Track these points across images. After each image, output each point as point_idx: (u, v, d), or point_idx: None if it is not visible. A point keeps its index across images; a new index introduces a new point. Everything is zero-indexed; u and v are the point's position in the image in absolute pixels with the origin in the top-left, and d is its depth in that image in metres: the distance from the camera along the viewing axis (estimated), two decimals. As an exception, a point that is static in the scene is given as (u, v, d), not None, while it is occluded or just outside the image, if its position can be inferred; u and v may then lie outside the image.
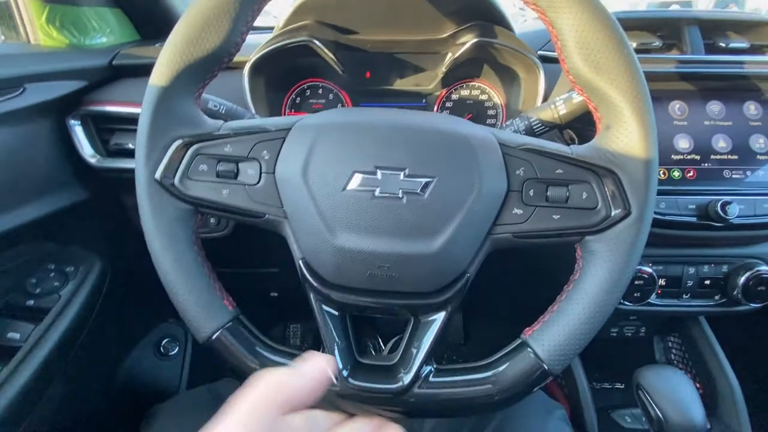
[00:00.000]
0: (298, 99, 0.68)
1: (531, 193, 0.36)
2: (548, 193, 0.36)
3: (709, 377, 0.68)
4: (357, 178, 0.35)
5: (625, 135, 0.35)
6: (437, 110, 0.68)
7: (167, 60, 0.36)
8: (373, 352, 1.04)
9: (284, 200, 0.36)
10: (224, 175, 0.37)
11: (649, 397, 0.54)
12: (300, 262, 0.37)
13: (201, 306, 0.36)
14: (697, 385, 0.71)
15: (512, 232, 0.36)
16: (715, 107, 0.58)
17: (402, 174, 0.35)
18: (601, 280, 0.35)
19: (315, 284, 0.37)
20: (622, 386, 0.80)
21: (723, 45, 0.61)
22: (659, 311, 0.60)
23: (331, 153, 0.35)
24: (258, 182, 0.37)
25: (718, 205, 0.52)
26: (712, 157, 0.57)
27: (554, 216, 0.36)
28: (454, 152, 0.35)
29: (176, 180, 0.36)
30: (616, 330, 0.77)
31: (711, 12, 0.62)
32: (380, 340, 1.08)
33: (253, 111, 0.59)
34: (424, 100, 0.67)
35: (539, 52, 0.59)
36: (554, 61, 0.61)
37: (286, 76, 0.65)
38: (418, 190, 0.35)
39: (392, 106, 0.68)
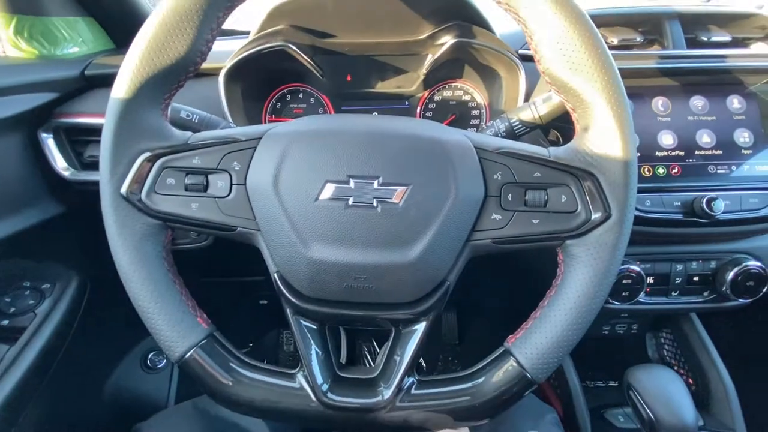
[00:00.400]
0: (279, 104, 0.67)
1: (509, 197, 0.35)
2: (527, 197, 0.35)
3: (702, 373, 0.68)
4: (329, 188, 0.34)
5: (603, 136, 0.34)
6: (420, 112, 0.67)
7: (130, 70, 0.34)
8: (367, 356, 1.03)
9: (256, 212, 0.35)
10: (193, 188, 0.36)
11: (639, 397, 0.53)
12: (275, 275, 0.36)
13: (172, 324, 0.35)
14: (690, 381, 0.71)
15: (491, 238, 0.35)
16: (698, 102, 0.58)
17: (376, 182, 0.34)
18: (583, 286, 0.34)
19: (291, 298, 0.36)
20: (616, 384, 0.79)
21: (705, 39, 0.60)
22: (648, 309, 0.60)
23: (303, 162, 0.34)
24: (228, 194, 0.36)
25: (704, 201, 0.51)
26: (697, 152, 0.56)
27: (533, 220, 0.35)
28: (428, 158, 0.34)
29: (143, 195, 0.35)
30: (608, 328, 0.76)
31: (692, 6, 0.62)
32: (375, 343, 1.08)
33: (230, 119, 0.57)
34: (406, 102, 0.67)
35: (520, 52, 0.58)
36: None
37: (265, 82, 0.64)
38: (393, 199, 0.34)
39: (374, 109, 0.67)
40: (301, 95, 0.66)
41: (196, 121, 0.48)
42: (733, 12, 0.62)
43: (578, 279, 0.34)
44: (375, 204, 0.33)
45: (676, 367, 0.73)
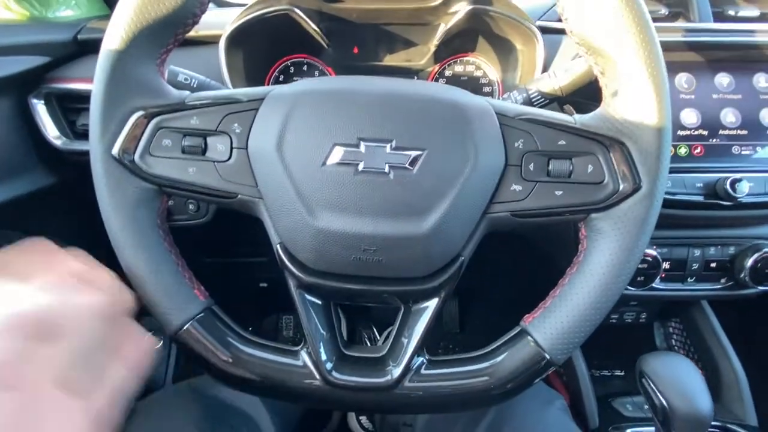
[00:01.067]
0: (282, 77, 0.64)
1: (531, 167, 0.33)
2: (550, 167, 0.33)
3: (712, 363, 0.66)
4: (338, 152, 0.31)
5: (636, 101, 0.31)
6: (429, 87, 0.64)
7: (121, 21, 0.32)
8: (368, 343, 1.01)
9: (258, 178, 0.33)
10: (191, 151, 0.33)
11: (653, 384, 0.51)
12: (278, 246, 0.34)
13: (169, 295, 0.33)
14: (700, 371, 0.69)
15: (511, 210, 0.33)
16: (723, 80, 0.55)
17: (388, 146, 0.31)
18: (609, 262, 0.32)
19: (295, 271, 0.34)
20: (622, 373, 0.78)
21: (732, 13, 0.57)
22: (663, 296, 0.58)
23: (309, 124, 0.32)
24: (228, 158, 0.33)
25: (727, 182, 0.49)
26: (721, 132, 0.54)
27: (556, 192, 0.32)
28: (446, 122, 0.32)
29: (136, 156, 0.33)
30: (616, 316, 0.74)
31: (720, -22, 0.59)
32: (375, 329, 1.06)
33: (230, 85, 0.54)
34: (415, 77, 0.64)
35: (538, 22, 0.55)
36: (554, 32, 0.58)
37: (268, 51, 0.61)
38: (407, 165, 0.31)
39: (382, 82, 0.64)
40: (305, 68, 0.64)
41: (195, 84, 0.45)
42: (763, -14, 0.59)
43: (603, 255, 0.32)
44: (387, 170, 0.31)
45: (685, 356, 0.72)
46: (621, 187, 0.32)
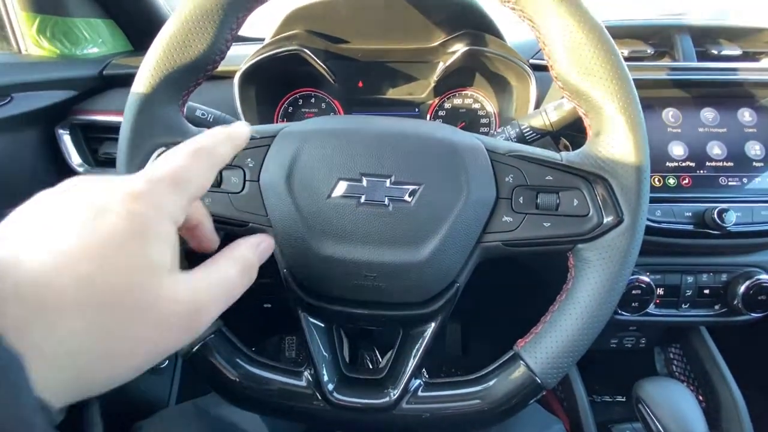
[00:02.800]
0: (291, 109, 0.68)
1: (521, 200, 0.35)
2: (538, 200, 0.35)
3: (712, 389, 0.66)
4: (342, 186, 0.34)
5: (616, 141, 0.34)
6: (430, 119, 0.67)
7: (151, 66, 0.35)
8: (370, 365, 1.02)
9: (268, 208, 0.35)
10: None
11: (649, 410, 0.52)
12: (284, 272, 0.36)
13: None
14: (700, 397, 0.69)
15: (502, 240, 0.35)
16: (709, 114, 0.58)
17: (388, 181, 0.34)
18: (595, 290, 0.34)
19: (300, 294, 0.36)
20: (623, 399, 0.78)
21: (715, 52, 0.60)
22: (658, 321, 0.59)
23: (316, 160, 0.35)
24: (242, 190, 0.36)
25: (715, 212, 0.51)
26: (708, 164, 0.56)
27: (545, 223, 0.35)
28: (441, 159, 0.35)
29: None
30: (615, 341, 0.75)
31: (702, 20, 0.62)
32: (377, 352, 1.06)
33: (243, 119, 0.58)
34: (416, 109, 0.67)
35: (531, 61, 0.59)
36: (546, 69, 0.61)
37: (278, 86, 0.65)
38: (405, 198, 0.34)
39: (385, 115, 0.68)
40: (313, 100, 0.67)
41: (211, 120, 0.48)
42: (744, 26, 0.63)
43: (590, 283, 0.34)
44: (387, 202, 0.34)
45: (685, 382, 0.72)
46: (605, 220, 0.34)
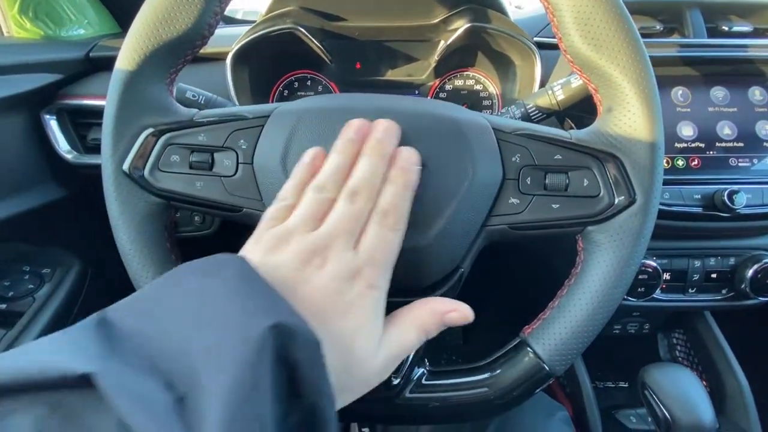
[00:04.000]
0: (286, 91, 0.66)
1: (528, 181, 0.33)
2: (546, 180, 0.33)
3: (716, 374, 0.66)
4: None
5: (629, 117, 0.32)
6: (430, 101, 0.65)
7: (134, 43, 0.33)
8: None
9: (263, 192, 0.34)
10: (198, 166, 0.34)
11: (655, 396, 0.52)
12: None
13: None
14: (704, 382, 0.69)
15: (509, 223, 0.34)
16: (719, 93, 0.56)
17: None
18: (606, 273, 0.32)
19: None
20: (626, 385, 0.77)
21: (726, 28, 0.58)
22: (664, 306, 0.58)
23: (312, 140, 0.33)
24: (235, 173, 0.34)
25: (725, 194, 0.50)
26: (717, 144, 0.55)
27: (553, 205, 0.33)
28: (444, 138, 0.33)
29: (146, 172, 0.34)
30: (619, 327, 0.74)
31: (713, -5, 0.60)
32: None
33: (236, 101, 0.56)
34: (416, 91, 0.65)
35: (535, 39, 0.57)
36: (551, 47, 0.59)
37: (273, 67, 0.63)
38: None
39: (384, 97, 0.65)
40: (309, 82, 0.65)
41: (202, 101, 0.46)
42: (756, 1, 0.60)
43: (600, 266, 0.32)
44: None
45: (689, 367, 0.71)
46: (616, 200, 0.32)
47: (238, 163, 0.34)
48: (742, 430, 0.61)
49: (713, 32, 0.58)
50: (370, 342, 0.25)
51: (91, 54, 0.59)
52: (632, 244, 0.32)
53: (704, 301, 0.58)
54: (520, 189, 0.33)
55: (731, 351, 0.64)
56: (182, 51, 0.34)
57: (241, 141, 0.34)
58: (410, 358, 0.34)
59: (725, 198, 0.50)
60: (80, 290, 0.58)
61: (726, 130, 0.55)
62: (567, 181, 0.33)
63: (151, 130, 0.34)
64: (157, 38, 0.33)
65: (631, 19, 0.32)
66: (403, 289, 0.34)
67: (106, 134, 0.34)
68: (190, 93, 0.46)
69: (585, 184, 0.33)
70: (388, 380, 0.34)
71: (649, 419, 0.52)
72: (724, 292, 0.57)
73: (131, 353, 0.19)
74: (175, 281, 0.23)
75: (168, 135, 0.34)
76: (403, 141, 0.33)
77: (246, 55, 0.56)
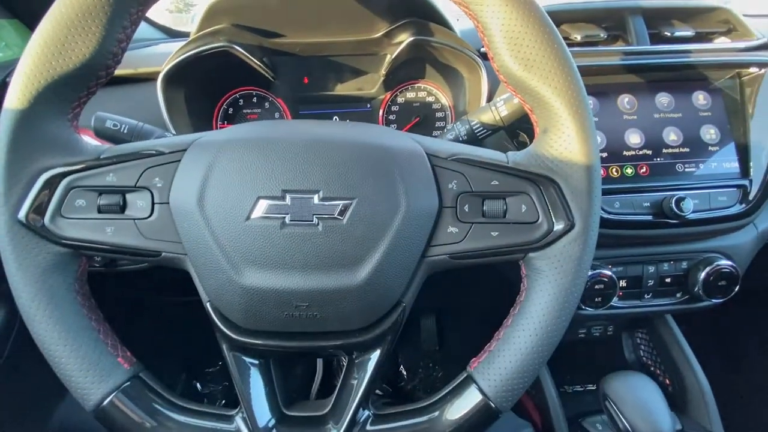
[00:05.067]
0: (231, 110, 0.62)
1: (466, 208, 0.32)
2: (485, 207, 0.32)
3: (678, 375, 0.67)
4: (262, 205, 0.30)
5: (563, 139, 0.31)
6: (383, 115, 0.63)
7: (25, 77, 0.30)
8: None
9: (182, 234, 0.31)
10: (108, 210, 0.31)
11: (615, 406, 0.51)
12: (207, 306, 0.32)
13: (86, 368, 0.30)
14: (667, 382, 0.70)
15: (449, 252, 0.32)
16: (664, 99, 0.56)
17: (316, 197, 0.30)
18: (548, 303, 0.31)
19: (226, 332, 0.32)
20: (594, 387, 0.78)
21: (668, 34, 0.59)
22: (622, 314, 0.58)
23: (232, 176, 0.30)
24: (150, 215, 0.31)
25: (673, 201, 0.50)
26: (664, 151, 0.55)
27: (492, 232, 0.32)
28: (375, 168, 0.31)
29: (47, 220, 0.30)
30: (584, 331, 0.74)
31: (654, 1, 0.60)
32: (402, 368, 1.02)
33: (172, 129, 0.52)
34: (368, 105, 0.63)
35: (482, 50, 0.56)
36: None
37: (214, 86, 0.59)
38: (336, 215, 0.30)
39: (334, 113, 0.63)
40: (254, 99, 0.62)
41: (125, 131, 0.43)
42: (696, 6, 0.61)
43: (542, 296, 0.31)
44: (315, 221, 0.30)
45: (652, 368, 0.72)
46: (555, 226, 0.31)
47: (153, 204, 0.31)
48: (704, 429, 0.61)
49: (656, 38, 0.58)
50: None
51: (8, 80, 0.54)
52: (574, 270, 0.31)
53: (660, 305, 0.58)
54: (458, 217, 0.32)
55: (691, 351, 0.65)
56: (83, 83, 0.31)
57: (156, 179, 0.32)
58: (353, 404, 0.32)
59: (673, 205, 0.50)
60: (8, 334, 0.53)
61: (672, 136, 0.55)
62: (505, 207, 0.32)
63: (51, 172, 0.31)
64: (51, 70, 0.30)
65: (561, 38, 0.31)
66: (341, 331, 0.32)
67: None
68: (111, 122, 0.43)
69: (523, 210, 0.32)
70: (328, 428, 0.32)
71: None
72: (678, 295, 0.58)
73: None
74: None
75: (71, 177, 0.31)
76: (330, 173, 0.30)
77: (180, 76, 0.52)
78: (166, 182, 0.31)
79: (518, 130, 0.55)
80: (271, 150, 0.31)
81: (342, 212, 0.30)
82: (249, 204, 0.30)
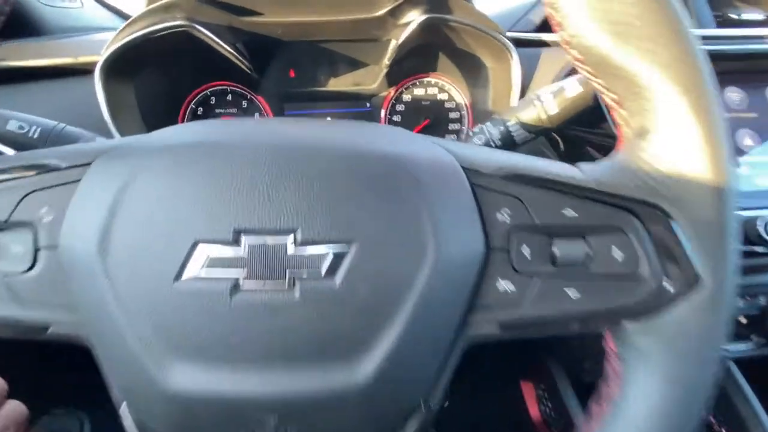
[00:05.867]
0: (201, 110, 0.51)
1: (526, 252, 0.21)
2: (555, 250, 0.21)
3: (741, 427, 0.55)
4: (202, 255, 0.18)
5: (677, 145, 0.20)
6: (385, 116, 0.53)
7: None
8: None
9: (77, 294, 0.19)
10: None
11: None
12: (121, 411, 0.20)
13: None
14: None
15: (500, 321, 0.21)
16: (734, 95, 0.46)
17: (289, 241, 0.18)
18: (661, 406, 0.20)
19: None
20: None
21: (735, 17, 0.48)
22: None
23: (154, 206, 0.19)
24: (31, 267, 0.20)
25: (761, 224, 0.39)
26: (740, 159, 0.44)
27: (567, 290, 0.20)
28: (384, 192, 0.19)
29: None
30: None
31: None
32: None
33: (116, 134, 0.41)
34: (368, 104, 0.52)
35: (509, 33, 0.45)
36: (530, 44, 0.47)
37: (177, 79, 0.48)
38: (323, 271, 0.18)
39: (327, 113, 0.53)
40: (229, 97, 0.51)
41: (35, 135, 0.31)
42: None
43: (649, 395, 0.20)
44: (289, 283, 0.18)
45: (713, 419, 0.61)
46: (666, 283, 0.20)
47: (36, 249, 0.20)
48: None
49: (721, 22, 0.48)
50: None
51: None
52: (698, 357, 0.20)
53: (731, 353, 0.47)
54: (513, 265, 0.21)
55: (758, 402, 0.54)
56: None
57: (44, 209, 0.20)
58: None
59: (761, 230, 0.39)
60: None
61: (747, 140, 0.45)
62: (587, 250, 0.21)
63: None
64: None
65: None
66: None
67: None
68: (18, 124, 0.31)
69: (616, 256, 0.20)
70: None
71: None
72: (754, 339, 0.47)
73: None
74: None
75: None
76: (315, 201, 0.19)
77: (126, 65, 0.41)
78: (57, 215, 0.20)
79: (561, 138, 0.44)
80: (220, 165, 0.19)
81: (333, 267, 0.18)
82: (181, 253, 0.18)
